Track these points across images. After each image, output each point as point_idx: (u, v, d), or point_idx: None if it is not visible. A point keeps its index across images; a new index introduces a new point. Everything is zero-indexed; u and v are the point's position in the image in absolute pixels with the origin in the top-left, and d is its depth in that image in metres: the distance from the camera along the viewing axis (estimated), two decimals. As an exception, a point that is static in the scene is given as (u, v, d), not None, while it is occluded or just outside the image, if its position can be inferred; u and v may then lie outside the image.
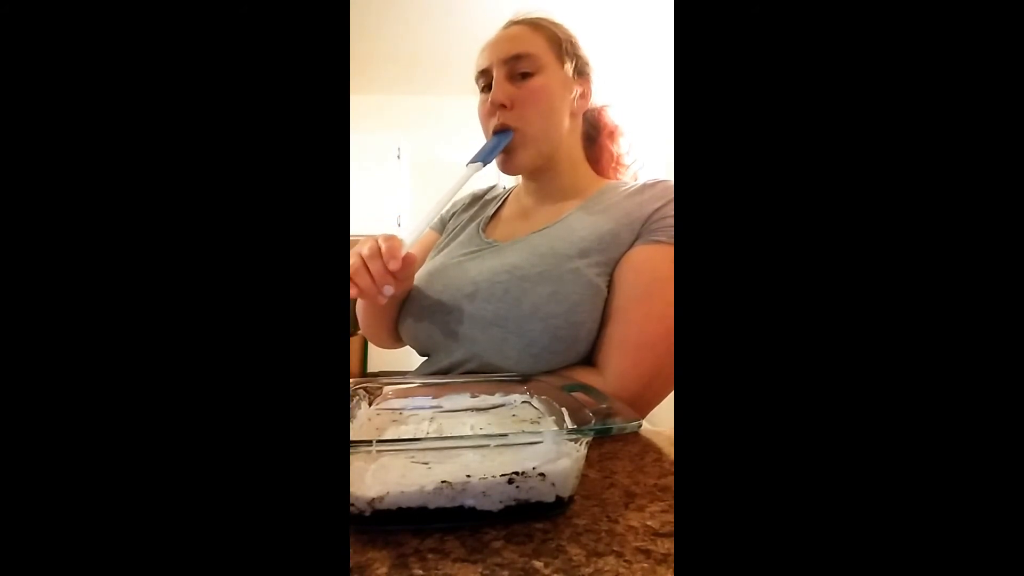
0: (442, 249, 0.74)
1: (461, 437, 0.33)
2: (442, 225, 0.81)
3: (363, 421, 0.43)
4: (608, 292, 0.59)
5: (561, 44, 0.67)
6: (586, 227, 0.61)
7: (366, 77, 2.99)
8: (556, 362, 0.58)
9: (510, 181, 0.82)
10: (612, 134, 0.74)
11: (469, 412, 0.46)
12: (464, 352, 0.61)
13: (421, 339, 0.66)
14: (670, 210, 0.59)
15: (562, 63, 0.67)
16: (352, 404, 0.42)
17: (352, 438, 0.35)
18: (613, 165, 0.74)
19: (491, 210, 0.77)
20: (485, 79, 0.67)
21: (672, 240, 0.57)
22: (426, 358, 0.68)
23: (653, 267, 0.57)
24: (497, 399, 0.48)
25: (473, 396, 0.49)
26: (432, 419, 0.44)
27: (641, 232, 0.59)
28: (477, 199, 0.82)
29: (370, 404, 0.47)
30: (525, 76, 0.65)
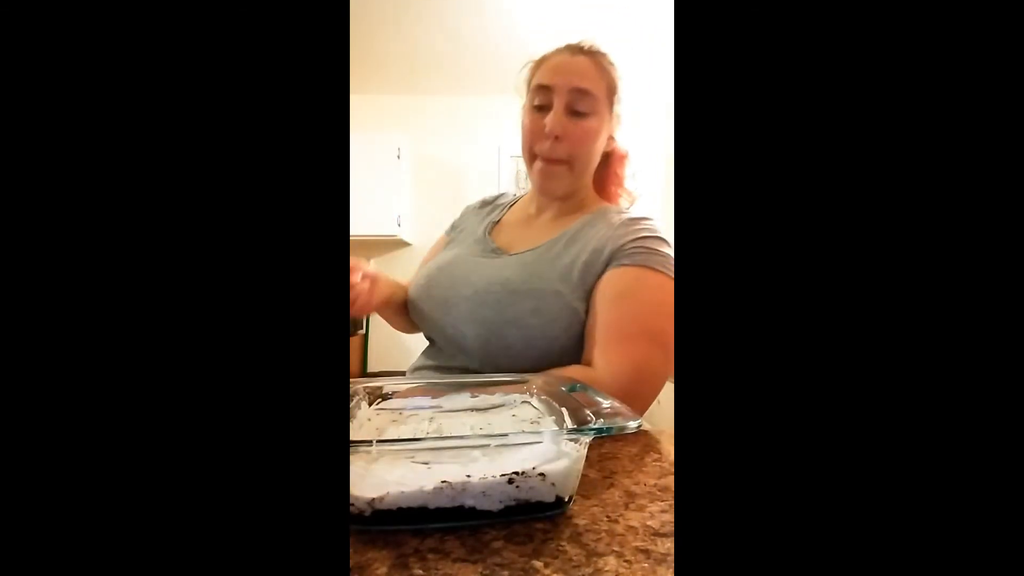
0: (453, 245, 0.83)
1: (461, 437, 0.33)
2: (453, 229, 0.89)
3: (363, 421, 0.43)
4: (587, 312, 0.67)
5: (613, 91, 0.73)
6: (571, 255, 0.69)
7: (366, 77, 2.99)
8: (530, 364, 0.65)
9: (521, 191, 0.90)
10: (621, 160, 0.81)
11: (469, 412, 0.46)
12: (459, 342, 0.70)
13: (427, 325, 0.76)
14: (640, 240, 0.67)
15: (611, 110, 0.73)
16: (352, 404, 0.42)
17: (352, 438, 0.35)
18: (616, 188, 0.81)
19: (498, 215, 0.84)
20: (544, 97, 0.71)
21: (636, 263, 0.66)
22: (429, 344, 0.79)
23: (619, 282, 0.66)
24: (497, 399, 0.48)
25: (473, 396, 0.49)
26: (432, 419, 0.44)
27: (610, 259, 0.67)
28: (487, 203, 0.89)
29: (370, 404, 0.47)
30: (580, 114, 0.70)
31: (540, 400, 0.46)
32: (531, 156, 0.74)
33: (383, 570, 0.27)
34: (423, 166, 3.21)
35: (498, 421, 0.44)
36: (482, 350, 0.67)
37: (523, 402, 0.48)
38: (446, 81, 2.99)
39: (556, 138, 0.69)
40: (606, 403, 0.38)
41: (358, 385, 0.47)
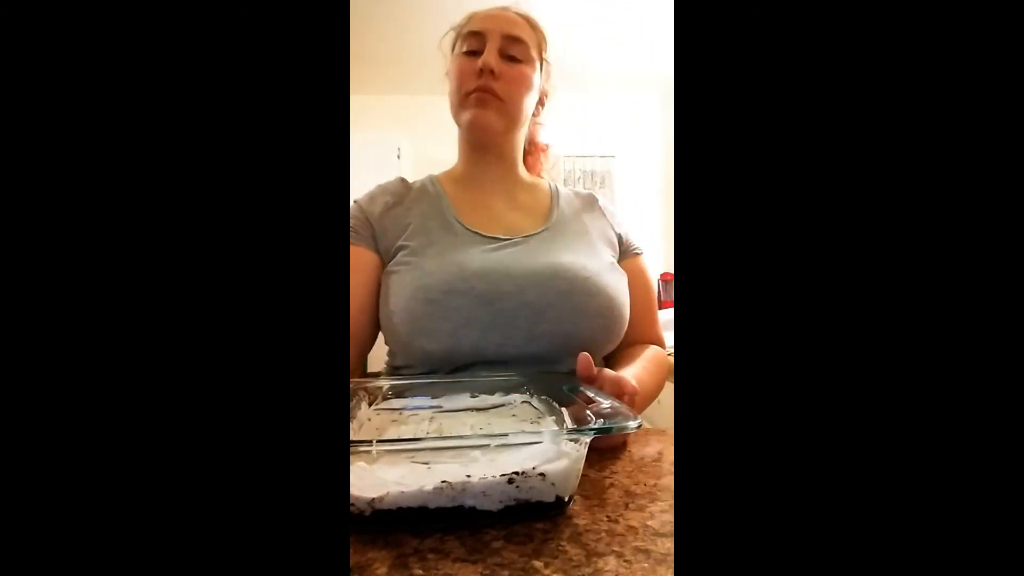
0: (423, 250, 0.66)
1: (461, 437, 0.33)
2: (362, 239, 0.69)
3: (363, 421, 0.43)
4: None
5: (542, 47, 0.75)
6: (586, 232, 0.74)
7: (366, 77, 2.99)
8: (617, 340, 0.69)
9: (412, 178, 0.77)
10: (544, 151, 0.85)
11: (469, 412, 0.46)
12: (566, 343, 0.62)
13: (486, 340, 0.61)
14: (626, 228, 0.80)
15: (541, 64, 0.74)
16: (352, 404, 0.42)
17: (352, 438, 0.35)
18: (537, 173, 0.84)
19: (440, 201, 0.73)
20: (476, 42, 0.69)
21: (641, 251, 0.80)
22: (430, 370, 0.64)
23: (645, 270, 0.79)
24: (497, 399, 0.48)
25: (473, 396, 0.49)
26: (432, 419, 0.44)
27: (623, 249, 0.77)
28: (401, 193, 0.74)
29: (370, 404, 0.47)
30: (514, 59, 0.70)
31: (540, 400, 0.46)
32: (463, 95, 0.69)
33: (383, 570, 0.27)
34: (423, 166, 3.19)
35: (498, 421, 0.44)
36: (598, 341, 0.65)
37: (523, 402, 0.48)
38: (446, 81, 2.98)
39: (491, 72, 0.67)
40: (606, 403, 0.37)
41: (358, 385, 0.47)
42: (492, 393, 0.49)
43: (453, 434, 0.39)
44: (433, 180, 0.77)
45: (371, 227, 0.70)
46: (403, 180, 0.78)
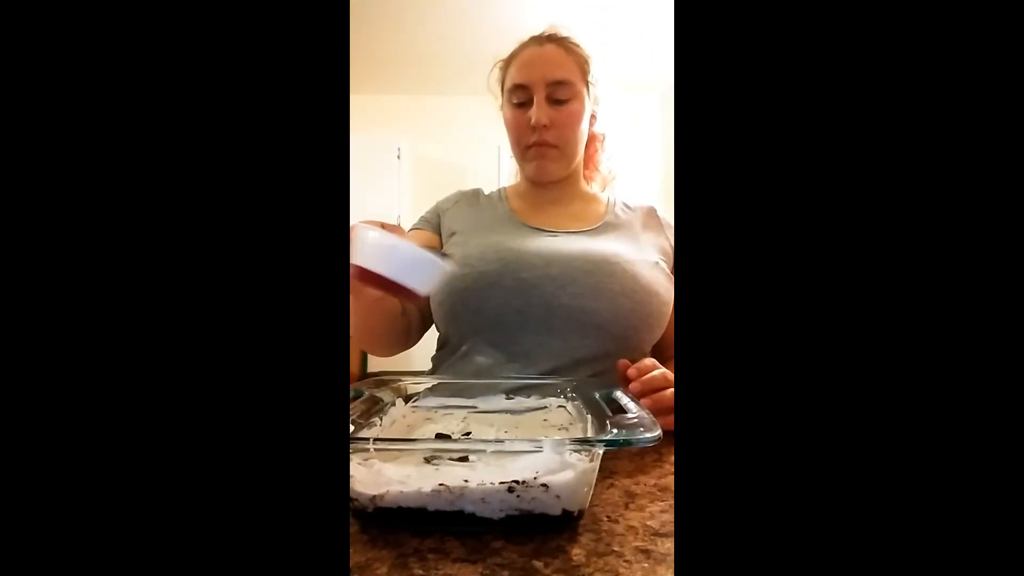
0: (475, 232, 0.75)
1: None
2: (430, 225, 0.80)
3: (396, 418, 0.43)
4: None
5: (586, 72, 0.75)
6: (647, 236, 0.76)
7: (366, 77, 2.99)
8: (656, 335, 0.70)
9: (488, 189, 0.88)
10: (600, 143, 0.85)
11: (502, 414, 0.46)
12: (581, 319, 0.65)
13: (508, 303, 0.66)
14: None
15: (587, 90, 0.75)
16: (387, 401, 0.43)
17: (384, 435, 0.35)
18: (592, 172, 0.85)
19: (503, 205, 0.81)
20: (523, 95, 0.73)
21: None
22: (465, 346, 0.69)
23: None
24: (533, 402, 0.48)
25: (508, 398, 0.49)
26: (464, 419, 0.44)
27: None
28: (473, 198, 0.84)
29: (406, 402, 0.47)
30: (561, 102, 0.73)
31: (574, 405, 0.45)
32: (523, 149, 0.76)
33: (383, 570, 0.27)
34: (423, 166, 3.21)
35: (526, 425, 0.43)
36: (620, 323, 0.65)
37: (559, 406, 0.47)
38: (446, 81, 2.99)
39: (544, 127, 0.72)
40: (633, 412, 0.36)
41: (397, 383, 0.48)
42: (528, 396, 0.49)
43: (478, 436, 0.39)
44: (501, 190, 0.85)
45: (438, 216, 0.81)
46: (479, 189, 0.86)
